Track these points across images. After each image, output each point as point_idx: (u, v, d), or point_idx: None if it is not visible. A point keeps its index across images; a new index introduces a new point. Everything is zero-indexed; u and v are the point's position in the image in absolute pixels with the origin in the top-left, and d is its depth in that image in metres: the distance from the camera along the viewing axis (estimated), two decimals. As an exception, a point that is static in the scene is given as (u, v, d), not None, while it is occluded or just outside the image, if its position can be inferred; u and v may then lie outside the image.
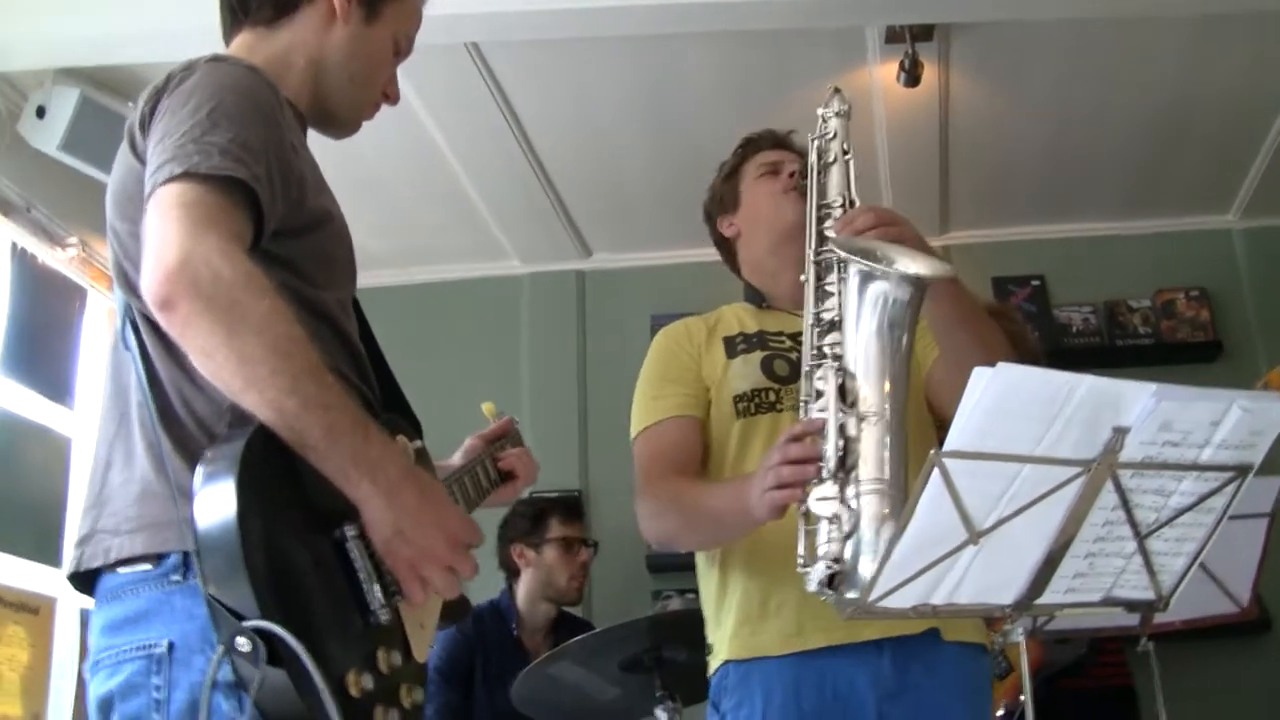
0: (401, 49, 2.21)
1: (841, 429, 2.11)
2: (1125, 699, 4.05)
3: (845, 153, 2.56)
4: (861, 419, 2.11)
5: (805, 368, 2.27)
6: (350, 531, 1.70)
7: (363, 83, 2.14)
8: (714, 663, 2.64)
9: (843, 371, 2.16)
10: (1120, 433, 1.81)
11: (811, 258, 2.44)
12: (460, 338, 5.94)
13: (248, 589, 1.54)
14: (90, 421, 4.97)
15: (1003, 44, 4.59)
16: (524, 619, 4.68)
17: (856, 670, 2.47)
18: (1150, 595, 2.03)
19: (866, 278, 2.15)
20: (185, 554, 1.68)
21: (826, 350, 2.24)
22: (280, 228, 1.80)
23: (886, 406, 2.11)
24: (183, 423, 1.75)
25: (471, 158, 5.17)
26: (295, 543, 1.66)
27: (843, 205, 2.49)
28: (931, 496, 1.76)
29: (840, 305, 2.30)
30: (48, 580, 4.68)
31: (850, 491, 2.07)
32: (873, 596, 1.85)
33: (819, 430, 2.12)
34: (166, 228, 1.65)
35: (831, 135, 2.58)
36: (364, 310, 2.14)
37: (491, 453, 2.41)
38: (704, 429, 2.71)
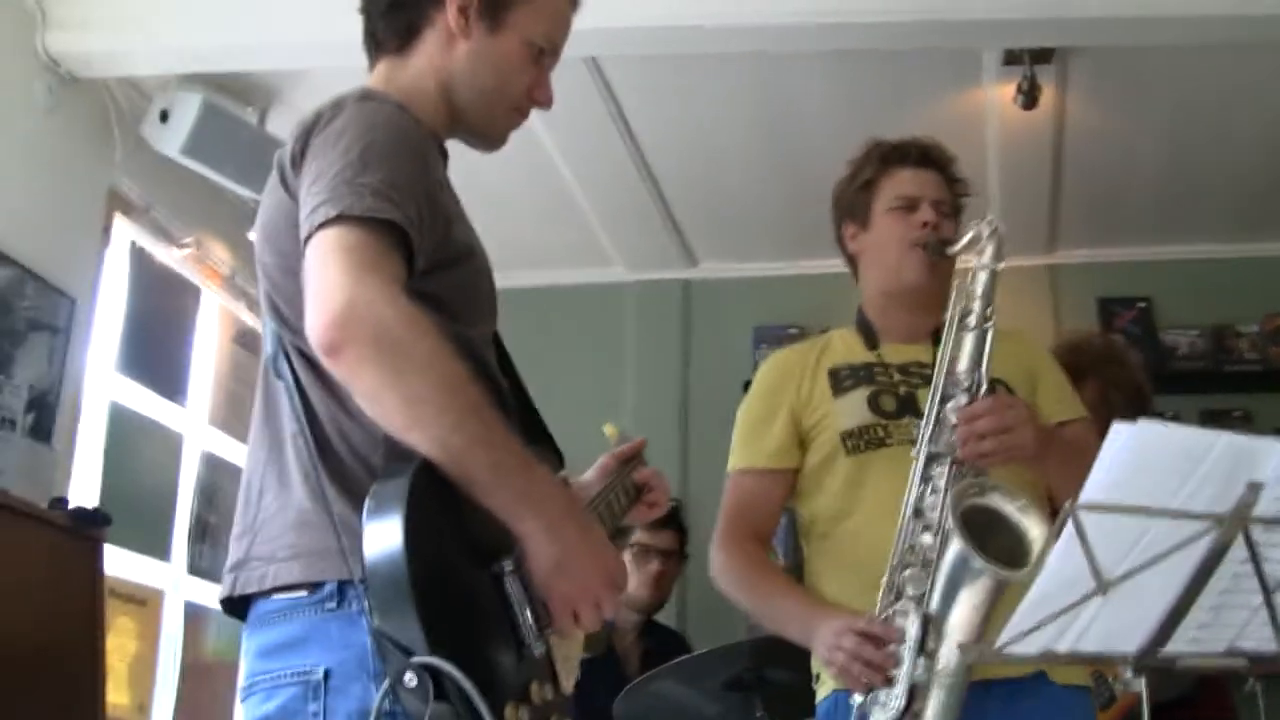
0: (543, 49, 2.14)
1: (913, 672, 2.29)
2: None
3: (987, 319, 2.55)
4: (933, 673, 2.28)
5: (893, 560, 2.43)
6: (508, 566, 1.73)
7: (496, 93, 2.11)
8: (822, 691, 2.66)
9: (926, 616, 2.30)
10: (1255, 488, 1.79)
11: (926, 440, 2.50)
12: (564, 343, 5.97)
13: (416, 625, 1.57)
14: (201, 417, 5.08)
15: (1121, 67, 4.55)
16: (615, 623, 4.66)
17: (968, 711, 2.47)
18: (1274, 648, 2.01)
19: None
20: (340, 583, 1.72)
21: (916, 553, 2.40)
22: (427, 265, 1.82)
23: (961, 676, 2.29)
24: (339, 453, 1.78)
25: (582, 164, 5.21)
26: (458, 578, 1.69)
27: (969, 389, 2.51)
28: (1063, 547, 1.76)
29: (939, 519, 2.41)
30: (156, 573, 4.78)
31: None
32: (999, 644, 1.85)
33: (896, 641, 2.34)
34: (328, 273, 1.68)
35: (979, 294, 2.57)
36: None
37: (627, 473, 2.42)
38: (794, 477, 2.79)
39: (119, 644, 4.49)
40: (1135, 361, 4.00)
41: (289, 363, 1.84)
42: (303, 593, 1.75)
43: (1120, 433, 1.69)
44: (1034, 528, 2.25)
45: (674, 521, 4.87)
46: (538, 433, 2.11)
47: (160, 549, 4.85)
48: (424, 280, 1.81)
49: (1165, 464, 1.74)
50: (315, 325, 1.66)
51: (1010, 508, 2.28)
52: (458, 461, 1.66)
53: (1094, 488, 1.73)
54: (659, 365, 6.03)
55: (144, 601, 4.74)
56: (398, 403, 1.65)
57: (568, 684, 1.89)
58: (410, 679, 1.57)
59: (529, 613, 1.75)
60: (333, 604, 1.73)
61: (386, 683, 1.59)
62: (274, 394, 1.89)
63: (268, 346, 1.88)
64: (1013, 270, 5.39)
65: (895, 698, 2.30)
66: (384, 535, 1.62)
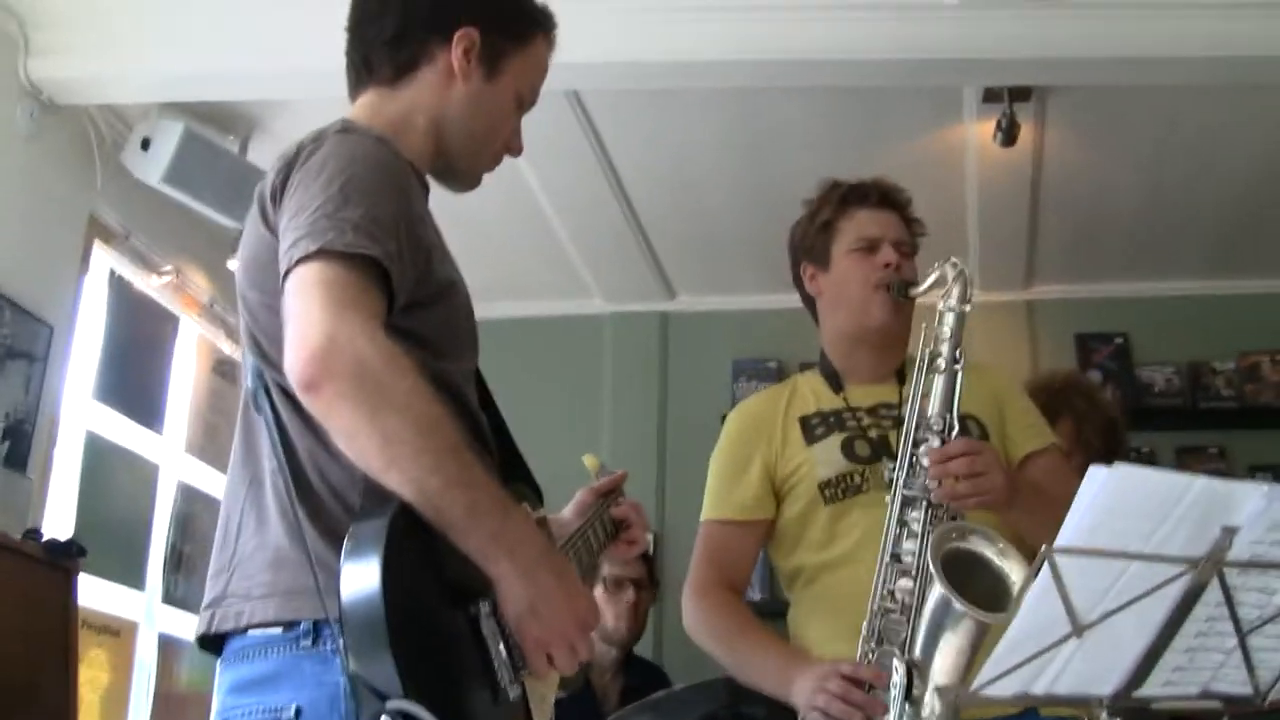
0: (525, 101, 2.18)
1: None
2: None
3: (956, 361, 2.55)
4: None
5: (872, 605, 2.45)
6: (484, 609, 1.72)
7: (484, 139, 2.13)
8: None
9: (909, 661, 2.28)
10: (1229, 532, 1.80)
11: (900, 485, 2.50)
12: (542, 374, 5.98)
13: (392, 669, 1.56)
14: (177, 446, 5.06)
15: (1100, 106, 4.59)
16: (592, 659, 4.61)
17: None
18: (1248, 691, 2.02)
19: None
20: (316, 622, 1.71)
21: (896, 599, 2.42)
22: (408, 300, 1.81)
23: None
24: (317, 491, 1.77)
25: (562, 196, 5.23)
26: (434, 620, 1.68)
27: (941, 431, 2.51)
28: (1039, 590, 1.77)
29: (917, 563, 2.43)
30: (130, 603, 4.76)
31: None
32: (974, 686, 1.85)
33: (880, 685, 2.33)
34: (308, 308, 1.67)
35: (947, 335, 2.57)
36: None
37: (605, 507, 2.41)
38: (768, 528, 2.78)
39: (92, 675, 4.46)
40: (1106, 396, 4.02)
41: (269, 398, 1.83)
42: (277, 630, 1.74)
43: (1097, 476, 1.70)
44: (1014, 571, 2.26)
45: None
46: (517, 470, 2.11)
47: (135, 579, 4.83)
48: (404, 316, 1.81)
49: (1141, 507, 1.75)
50: (294, 361, 1.65)
51: (990, 551, 2.28)
52: (434, 503, 1.65)
53: (1070, 531, 1.74)
54: (637, 397, 6.04)
55: (117, 632, 4.72)
56: (375, 442, 1.64)
57: None
58: None
59: (504, 655, 1.74)
60: (307, 642, 1.72)
61: None
62: (253, 429, 1.88)
63: (248, 381, 1.87)
64: (990, 306, 5.46)
65: None
66: (361, 576, 1.61)
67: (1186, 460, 5.66)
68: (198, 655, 1.88)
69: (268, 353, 1.83)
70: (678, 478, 5.73)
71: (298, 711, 1.69)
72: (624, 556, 2.49)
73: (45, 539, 3.76)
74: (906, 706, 2.27)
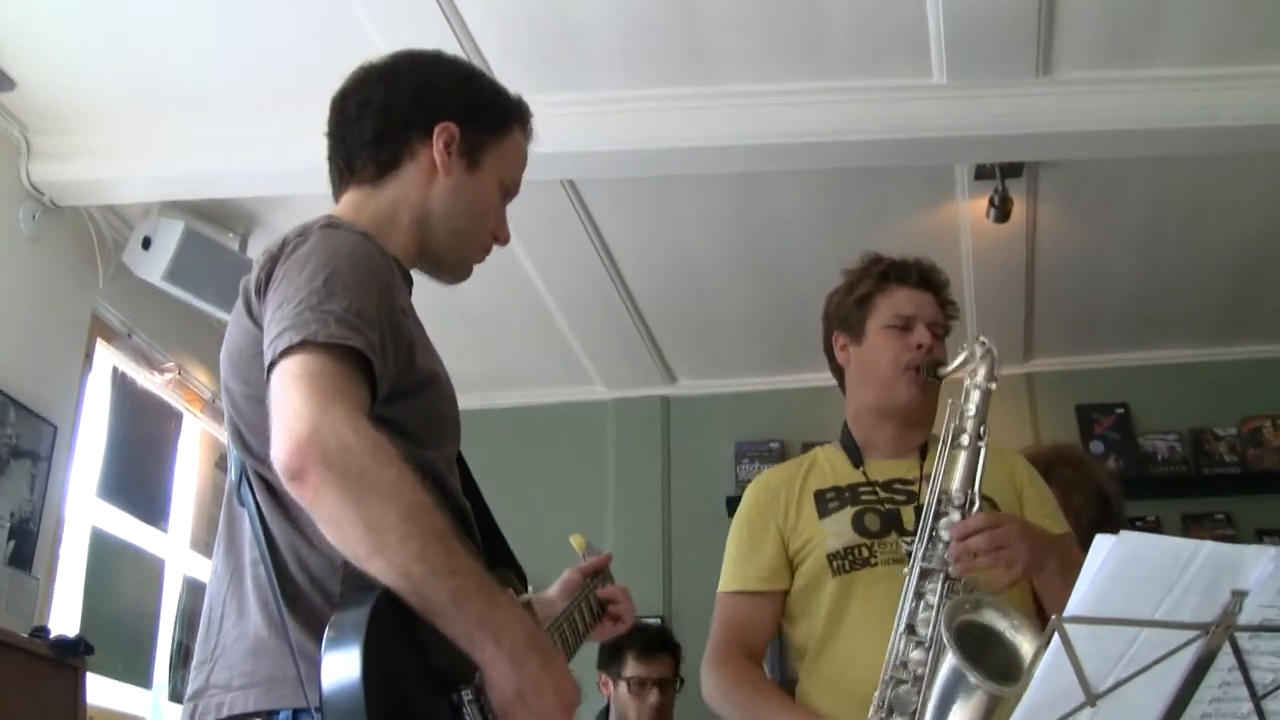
0: (509, 190, 2.21)
1: None
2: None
3: (980, 437, 2.57)
4: None
5: (885, 675, 2.45)
6: (467, 695, 1.72)
7: (468, 231, 2.15)
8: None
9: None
10: (1239, 596, 1.81)
11: (919, 557, 2.50)
12: (545, 461, 6.00)
13: None
14: (182, 542, 5.06)
15: (1091, 179, 4.64)
16: None
17: None
18: (1264, 758, 2.02)
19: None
20: (296, 711, 1.70)
21: (908, 670, 2.42)
22: (391, 391, 1.83)
23: None
24: (297, 581, 1.78)
25: (560, 284, 5.27)
26: (416, 708, 1.67)
27: (962, 506, 2.52)
28: (1051, 659, 1.77)
29: (931, 634, 2.44)
30: (137, 701, 4.73)
31: None
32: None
33: None
34: (293, 399, 1.68)
35: (972, 413, 2.59)
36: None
37: (592, 588, 2.42)
38: (784, 598, 2.79)
39: (100, 775, 4.44)
40: (1094, 464, 4.01)
41: (251, 490, 1.84)
42: None
43: (1103, 545, 1.71)
44: (1026, 643, 2.26)
45: (667, 646, 4.67)
46: (500, 555, 2.11)
47: (142, 676, 4.81)
48: (387, 406, 1.82)
49: (1149, 575, 1.76)
50: (279, 451, 1.65)
51: (1004, 624, 2.28)
52: (419, 590, 1.65)
53: (1079, 599, 1.75)
54: (640, 481, 6.05)
55: (125, 730, 4.70)
56: (361, 530, 1.64)
57: None
58: None
59: None
60: None
61: None
62: (236, 521, 1.89)
63: (231, 474, 1.88)
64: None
65: None
66: (342, 665, 1.60)
67: (1193, 528, 5.66)
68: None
69: (251, 445, 1.84)
70: (683, 559, 5.72)
71: None
72: (608, 636, 2.48)
73: (52, 637, 3.76)
74: None
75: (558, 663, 1.81)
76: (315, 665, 1.64)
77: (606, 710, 4.67)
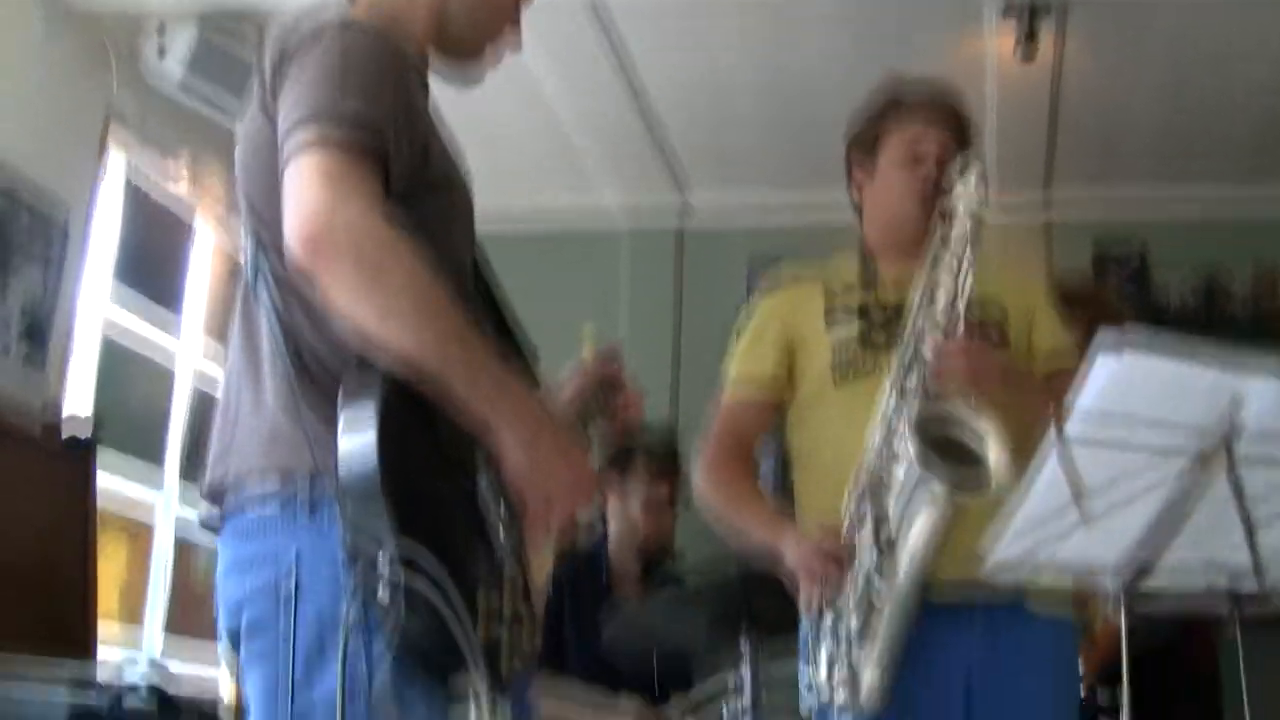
0: None
1: (868, 588, 2.47)
2: (1211, 685, 4.00)
3: (967, 258, 2.58)
4: (886, 595, 2.45)
5: (856, 491, 2.54)
6: (482, 482, 1.76)
7: (485, 25, 2.11)
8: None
9: (888, 540, 2.44)
10: (1238, 420, 1.82)
11: (901, 373, 2.56)
12: (557, 280, 5.96)
13: (387, 520, 1.61)
14: (195, 338, 5.10)
15: (1120, 16, 4.57)
16: (615, 568, 4.44)
17: (949, 634, 2.53)
18: (1255, 587, 2.04)
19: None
20: (313, 495, 1.74)
21: (879, 480, 2.51)
22: (404, 191, 1.83)
23: (911, 601, 2.44)
24: (312, 372, 1.80)
25: (575, 96, 5.22)
26: (430, 484, 1.72)
27: (945, 327, 2.55)
28: (1048, 474, 1.80)
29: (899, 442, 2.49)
30: (148, 498, 4.85)
31: (855, 652, 2.49)
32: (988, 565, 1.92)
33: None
34: (308, 194, 1.69)
35: (961, 235, 2.59)
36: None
37: (602, 395, 2.41)
38: (781, 405, 2.87)
39: (109, 568, 4.52)
40: (1117, 301, 4.00)
41: (267, 286, 1.85)
42: (275, 506, 1.77)
43: (1108, 359, 1.71)
44: (993, 452, 2.31)
45: (672, 460, 4.50)
46: (515, 349, 2.11)
47: (153, 473, 4.89)
48: (400, 205, 1.81)
49: (1152, 392, 1.77)
50: (294, 243, 1.68)
51: (969, 433, 2.34)
52: (437, 370, 1.69)
53: (1081, 415, 1.76)
54: (653, 308, 6.08)
55: (135, 526, 4.79)
56: (376, 317, 1.67)
57: (538, 599, 1.91)
58: (383, 594, 1.60)
59: (503, 526, 1.78)
60: (305, 516, 1.75)
61: (356, 579, 1.61)
62: (251, 318, 1.90)
63: (247, 270, 1.90)
64: (1007, 227, 5.37)
65: (850, 617, 2.47)
66: (357, 426, 1.66)
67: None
68: (215, 550, 1.91)
69: (265, 241, 1.85)
70: (693, 377, 5.70)
71: (297, 585, 1.73)
72: (609, 443, 2.47)
73: (64, 431, 3.80)
74: (877, 579, 2.41)
75: (573, 451, 1.84)
76: (330, 451, 1.68)
77: (603, 539, 4.56)
